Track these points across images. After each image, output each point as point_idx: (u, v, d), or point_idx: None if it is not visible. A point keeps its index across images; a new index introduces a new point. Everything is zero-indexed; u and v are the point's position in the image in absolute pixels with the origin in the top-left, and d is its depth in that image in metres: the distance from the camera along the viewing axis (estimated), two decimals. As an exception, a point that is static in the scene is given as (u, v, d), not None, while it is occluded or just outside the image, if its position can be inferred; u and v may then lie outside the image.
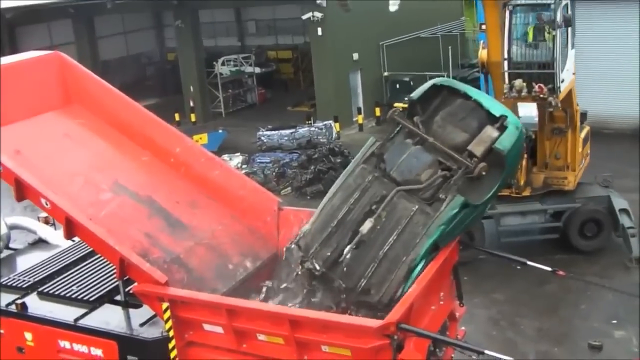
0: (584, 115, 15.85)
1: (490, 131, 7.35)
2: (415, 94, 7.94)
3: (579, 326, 12.91)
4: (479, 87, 20.35)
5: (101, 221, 7.83)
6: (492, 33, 13.98)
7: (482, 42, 15.27)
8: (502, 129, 7.30)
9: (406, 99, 8.35)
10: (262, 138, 25.01)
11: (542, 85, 13.69)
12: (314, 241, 7.60)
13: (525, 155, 15.28)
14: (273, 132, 25.24)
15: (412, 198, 7.40)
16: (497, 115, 7.39)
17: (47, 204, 7.86)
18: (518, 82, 13.77)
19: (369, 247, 7.33)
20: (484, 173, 7.19)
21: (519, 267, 12.46)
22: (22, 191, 8.03)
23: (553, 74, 13.82)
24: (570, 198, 15.53)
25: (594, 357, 11.64)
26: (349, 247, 7.36)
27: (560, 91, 13.92)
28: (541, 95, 13.75)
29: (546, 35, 13.85)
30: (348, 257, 7.33)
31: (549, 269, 8.37)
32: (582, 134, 15.73)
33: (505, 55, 13.93)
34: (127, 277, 7.70)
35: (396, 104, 20.40)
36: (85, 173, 8.60)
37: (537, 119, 15.76)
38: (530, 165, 15.57)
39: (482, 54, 14.66)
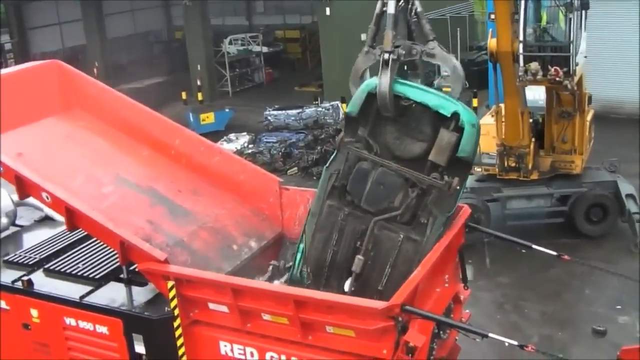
0: (589, 99, 15.76)
1: (448, 136, 7.12)
2: (353, 109, 7.66)
3: (583, 311, 12.93)
4: (487, 72, 20.27)
5: (103, 211, 7.85)
6: (502, 23, 13.73)
7: (490, 31, 15.11)
8: (458, 129, 7.11)
9: (341, 117, 8.12)
10: (269, 118, 24.98)
11: (557, 68, 13.59)
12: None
13: (533, 139, 15.23)
14: (280, 111, 25.20)
15: (393, 226, 7.34)
16: (448, 115, 7.16)
17: (47, 198, 7.91)
18: (534, 65, 13.61)
19: (367, 282, 7.35)
20: (458, 188, 7.08)
21: (524, 251, 12.44)
22: (24, 188, 8.12)
23: (567, 57, 13.72)
24: (576, 182, 15.52)
25: (597, 342, 11.66)
26: (348, 284, 7.36)
27: (575, 74, 13.82)
28: (557, 79, 13.64)
29: (560, 17, 13.71)
30: (352, 292, 7.33)
31: (554, 253, 8.33)
32: (588, 117, 15.66)
33: (521, 38, 13.76)
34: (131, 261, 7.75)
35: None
36: (87, 169, 8.65)
37: (541, 102, 15.69)
38: (537, 148, 15.50)
39: (491, 43, 14.49)
